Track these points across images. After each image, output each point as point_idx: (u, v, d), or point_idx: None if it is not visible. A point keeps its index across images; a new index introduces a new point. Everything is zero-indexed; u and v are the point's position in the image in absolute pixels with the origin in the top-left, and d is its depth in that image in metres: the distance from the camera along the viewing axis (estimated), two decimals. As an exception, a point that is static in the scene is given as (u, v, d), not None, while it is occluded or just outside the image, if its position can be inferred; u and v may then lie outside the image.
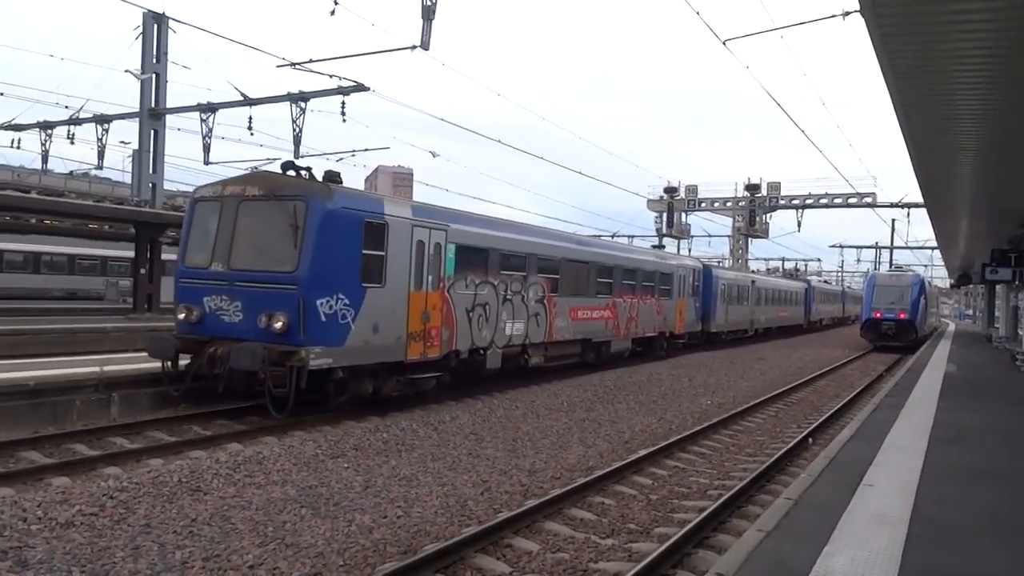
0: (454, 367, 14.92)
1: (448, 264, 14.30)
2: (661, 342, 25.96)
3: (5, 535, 6.81)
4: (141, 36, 18.07)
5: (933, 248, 51.96)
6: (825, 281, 76.69)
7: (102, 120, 21.63)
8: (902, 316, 37.03)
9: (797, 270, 75.51)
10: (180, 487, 8.52)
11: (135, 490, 8.21)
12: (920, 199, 25.07)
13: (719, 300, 32.45)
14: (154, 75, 18.31)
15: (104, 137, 22.43)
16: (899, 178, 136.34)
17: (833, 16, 12.03)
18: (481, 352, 15.65)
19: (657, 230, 50.72)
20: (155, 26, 18.08)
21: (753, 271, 53.43)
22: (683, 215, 51.93)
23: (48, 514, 7.34)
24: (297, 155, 19.84)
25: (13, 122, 23.23)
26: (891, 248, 60.25)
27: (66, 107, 22.61)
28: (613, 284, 21.51)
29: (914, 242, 71.18)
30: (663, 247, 29.60)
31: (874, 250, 66.71)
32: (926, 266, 67.33)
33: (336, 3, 14.80)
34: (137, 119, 19.03)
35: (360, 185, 38.86)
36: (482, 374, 16.07)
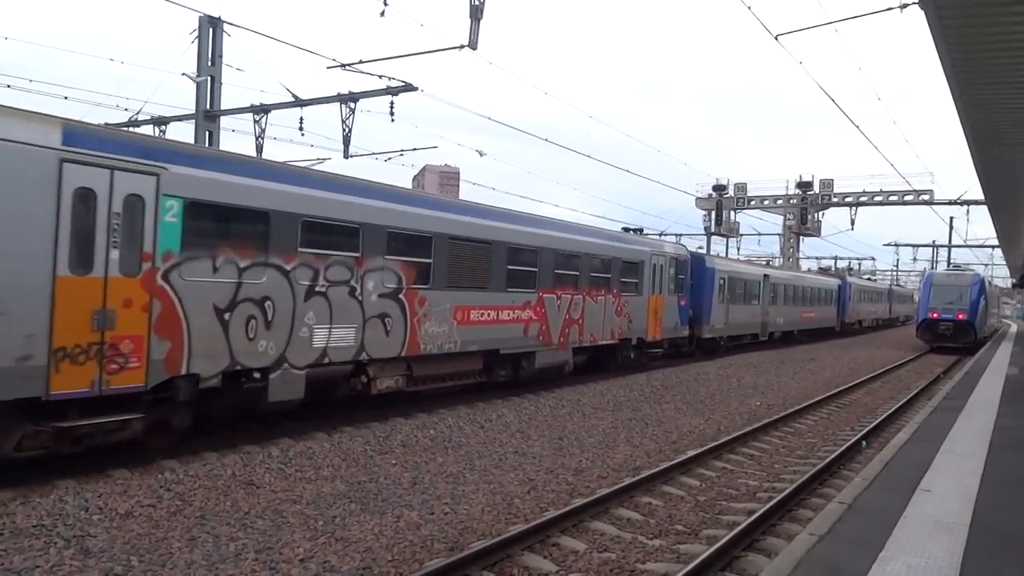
0: (186, 402, 9.46)
1: (166, 232, 9.00)
2: (625, 352, 20.10)
3: (68, 523, 7.07)
4: (197, 40, 18.49)
5: (994, 247, 50.33)
6: (868, 278, 73.74)
7: (160, 122, 22.20)
8: (960, 317, 35.95)
9: (850, 269, 73.59)
10: (233, 480, 8.73)
11: (191, 483, 8.45)
12: (981, 196, 24.37)
13: (716, 298, 26.57)
14: (209, 78, 18.73)
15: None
16: (958, 174, 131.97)
17: (890, 9, 11.71)
18: (258, 375, 10.25)
19: (705, 228, 50.16)
20: (210, 30, 18.49)
21: (806, 270, 52.45)
22: (732, 213, 51.20)
23: (108, 504, 7.59)
24: (347, 155, 20.12)
25: (75, 125, 24.06)
26: (949, 246, 58.48)
27: (125, 110, 23.20)
28: (539, 274, 15.88)
29: (973, 240, 69.01)
30: (640, 231, 23.39)
31: (931, 248, 64.84)
32: (986, 265, 65.15)
33: (386, 4, 14.93)
34: (193, 121, 19.50)
35: (408, 184, 38.56)
36: (263, 408, 10.47)
